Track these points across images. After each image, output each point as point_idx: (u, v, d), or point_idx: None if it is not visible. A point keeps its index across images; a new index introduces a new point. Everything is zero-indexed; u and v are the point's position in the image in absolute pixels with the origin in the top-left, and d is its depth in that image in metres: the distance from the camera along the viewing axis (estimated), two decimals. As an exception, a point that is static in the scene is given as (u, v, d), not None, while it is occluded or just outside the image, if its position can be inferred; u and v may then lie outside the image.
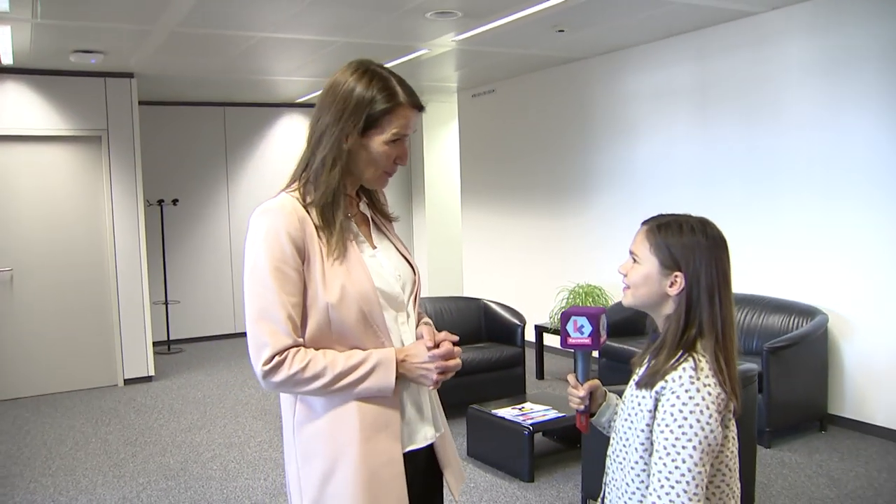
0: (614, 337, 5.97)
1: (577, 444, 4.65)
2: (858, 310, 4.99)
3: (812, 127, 5.18)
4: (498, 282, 8.40)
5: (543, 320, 7.00)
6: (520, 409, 4.63)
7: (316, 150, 1.75)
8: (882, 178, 4.80)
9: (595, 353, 1.84)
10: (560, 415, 4.48)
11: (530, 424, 4.33)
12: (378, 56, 1.85)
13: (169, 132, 8.74)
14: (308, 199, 1.74)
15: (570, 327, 1.78)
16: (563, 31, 5.76)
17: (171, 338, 8.60)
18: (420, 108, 1.79)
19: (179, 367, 7.68)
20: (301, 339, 1.69)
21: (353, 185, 1.83)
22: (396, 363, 1.72)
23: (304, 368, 1.66)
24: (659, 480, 1.52)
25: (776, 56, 5.37)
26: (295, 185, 1.79)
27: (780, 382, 4.75)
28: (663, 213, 1.73)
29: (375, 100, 1.72)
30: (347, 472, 1.71)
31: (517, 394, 5.58)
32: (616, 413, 1.86)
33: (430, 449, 1.90)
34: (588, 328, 1.76)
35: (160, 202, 8.50)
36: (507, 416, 4.48)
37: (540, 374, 6.68)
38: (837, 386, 5.13)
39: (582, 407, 1.83)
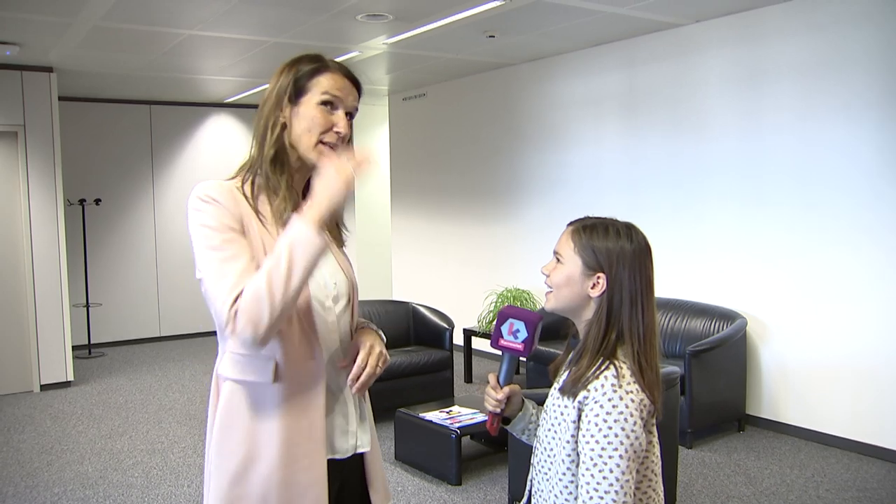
0: (543, 341, 6.04)
1: (504, 447, 4.68)
2: (775, 314, 5.18)
3: (731, 136, 5.35)
4: (427, 285, 8.41)
5: (472, 324, 7.04)
6: (447, 412, 4.64)
7: (258, 128, 1.77)
8: (797, 187, 4.99)
9: (522, 359, 1.80)
10: (487, 418, 4.50)
11: (458, 428, 4.35)
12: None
13: (92, 130, 8.48)
14: (250, 187, 1.73)
15: (504, 329, 1.73)
16: (493, 36, 5.81)
17: (92, 341, 8.33)
18: (351, 77, 1.80)
19: (100, 371, 7.45)
20: None
21: (301, 179, 1.79)
22: (306, 215, 1.60)
23: (247, 301, 1.54)
24: (588, 492, 1.52)
25: (699, 67, 5.53)
26: (240, 175, 1.77)
27: (701, 384, 4.89)
28: (590, 215, 1.72)
29: (301, 67, 1.75)
30: (262, 474, 1.67)
31: (445, 397, 5.59)
32: (531, 422, 1.85)
33: (361, 465, 1.85)
34: (524, 334, 1.71)
35: (82, 202, 8.23)
36: (435, 420, 4.49)
37: (468, 378, 6.72)
38: (755, 387, 5.30)
39: (497, 410, 1.80)
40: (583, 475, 1.53)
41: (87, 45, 5.85)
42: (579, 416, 1.57)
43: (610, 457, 1.50)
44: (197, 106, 9.06)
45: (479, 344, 7.22)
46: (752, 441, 5.04)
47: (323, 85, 1.74)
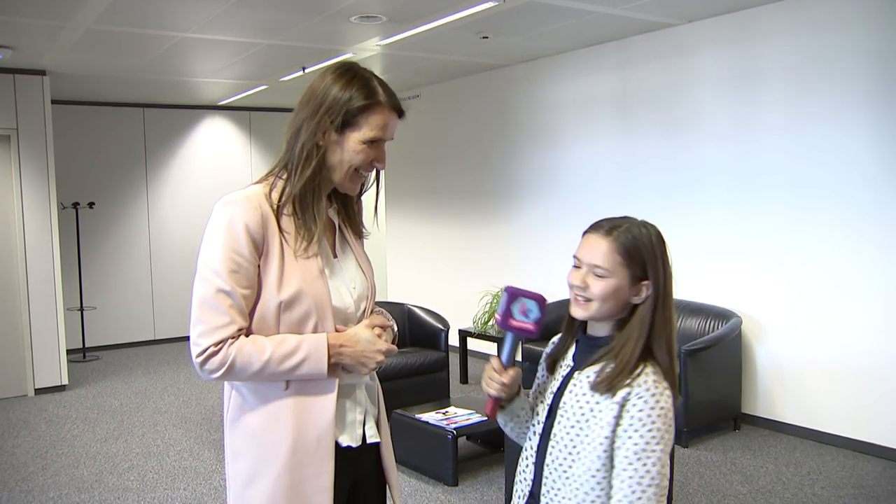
0: (536, 340, 6.06)
1: (500, 448, 4.69)
2: (769, 312, 5.19)
3: (725, 136, 5.36)
4: (422, 287, 8.41)
5: (467, 325, 7.04)
6: (444, 413, 4.64)
7: (294, 146, 1.73)
8: (790, 186, 5.00)
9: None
10: (483, 419, 4.51)
11: (454, 428, 4.35)
12: (302, 59, 1.85)
13: (85, 133, 8.46)
14: (278, 195, 1.72)
15: (515, 308, 1.65)
16: (486, 37, 5.82)
17: (86, 345, 8.31)
18: (400, 111, 1.77)
19: (95, 375, 7.43)
20: (243, 331, 1.67)
21: (325, 187, 1.79)
22: (332, 350, 1.70)
23: (234, 359, 1.64)
24: (630, 486, 1.52)
25: (692, 67, 5.55)
26: (269, 180, 1.76)
27: (696, 384, 4.89)
28: (608, 218, 1.68)
29: (353, 97, 1.70)
30: (270, 478, 1.70)
31: (441, 398, 5.58)
32: (520, 412, 1.82)
33: (376, 456, 1.92)
34: (536, 313, 1.66)
35: (75, 205, 8.21)
36: (431, 421, 4.49)
37: (464, 379, 6.72)
38: (751, 386, 5.31)
39: (501, 395, 1.74)
40: (625, 469, 1.54)
41: (80, 49, 5.83)
42: (619, 413, 1.57)
43: (653, 451, 1.52)
44: (191, 108, 9.04)
45: (475, 345, 7.22)
46: (748, 439, 5.05)
47: (372, 124, 1.72)
